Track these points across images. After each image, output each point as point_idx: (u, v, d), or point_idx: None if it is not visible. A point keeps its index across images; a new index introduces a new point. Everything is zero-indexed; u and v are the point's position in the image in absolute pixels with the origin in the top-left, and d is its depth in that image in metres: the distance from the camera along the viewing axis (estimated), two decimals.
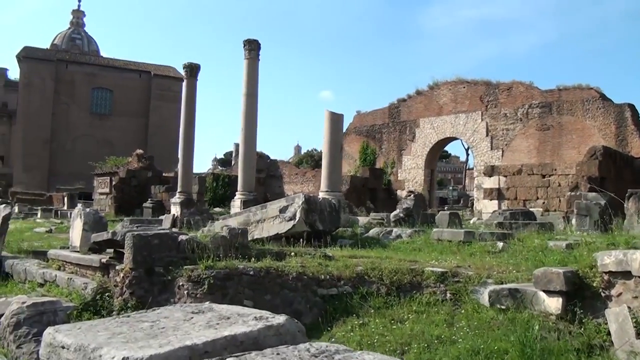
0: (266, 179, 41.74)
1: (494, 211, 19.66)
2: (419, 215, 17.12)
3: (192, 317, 4.11)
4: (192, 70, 22.29)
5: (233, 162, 51.80)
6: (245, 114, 19.61)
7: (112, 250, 9.99)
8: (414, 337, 6.85)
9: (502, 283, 7.98)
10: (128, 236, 7.81)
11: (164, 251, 7.98)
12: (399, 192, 35.15)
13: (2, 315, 7.01)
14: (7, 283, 12.02)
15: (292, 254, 9.15)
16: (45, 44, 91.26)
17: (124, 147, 60.09)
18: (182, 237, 8.29)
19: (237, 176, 38.58)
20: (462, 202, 59.03)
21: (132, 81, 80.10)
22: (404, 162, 35.57)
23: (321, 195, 16.32)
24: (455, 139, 35.22)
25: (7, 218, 13.08)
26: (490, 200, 30.29)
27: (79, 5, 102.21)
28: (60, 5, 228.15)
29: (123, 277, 7.92)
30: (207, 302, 4.44)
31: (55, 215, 32.36)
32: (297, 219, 12.98)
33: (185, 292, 7.44)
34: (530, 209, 21.38)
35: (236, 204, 19.65)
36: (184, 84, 22.36)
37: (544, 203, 28.65)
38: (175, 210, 21.94)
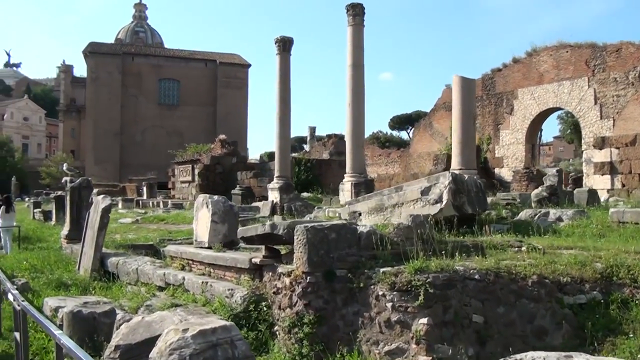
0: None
1: None
2: (566, 194, 14.70)
3: None
4: (285, 44, 20.26)
5: (309, 147, 49.83)
6: (351, 88, 17.42)
7: (250, 246, 8.05)
8: None
9: None
10: (299, 230, 5.78)
11: (344, 248, 5.92)
12: (496, 170, 32.47)
13: (143, 340, 5.09)
14: (111, 285, 10.27)
15: (519, 247, 6.94)
16: (110, 40, 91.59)
17: (193, 136, 59.19)
18: (362, 229, 6.20)
19: (317, 160, 36.83)
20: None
21: (198, 70, 79.24)
22: (502, 138, 32.76)
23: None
24: (559, 109, 32.13)
25: (107, 210, 11.34)
26: (602, 175, 27.29)
27: None
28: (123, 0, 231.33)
29: (291, 283, 5.90)
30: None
31: (137, 205, 31.21)
32: (444, 202, 10.86)
33: (389, 304, 5.35)
34: None
35: (346, 187, 17.56)
36: (277, 59, 20.32)
37: None
38: (273, 196, 20.05)
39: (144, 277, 9.07)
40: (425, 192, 11.42)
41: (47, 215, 26.79)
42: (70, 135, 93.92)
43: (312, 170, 34.55)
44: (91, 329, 5.69)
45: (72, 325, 5.72)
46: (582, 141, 30.23)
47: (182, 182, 33.62)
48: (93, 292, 9.71)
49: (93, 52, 75.05)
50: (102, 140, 71.75)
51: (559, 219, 12.25)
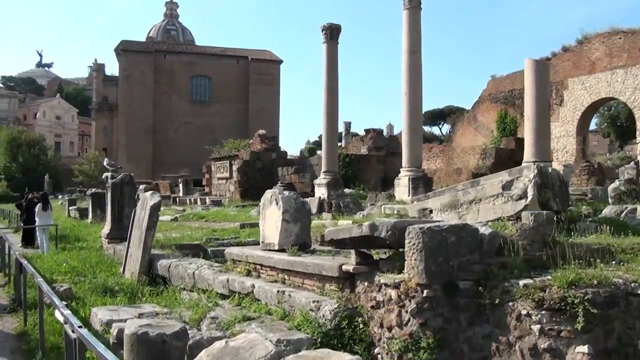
0: (387, 157, 38.36)
1: None
2: None
3: None
4: (333, 32, 19.13)
5: (344, 142, 48.66)
6: (408, 75, 16.21)
7: (326, 248, 7.00)
8: None
9: None
10: (412, 232, 4.68)
11: (464, 254, 4.82)
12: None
13: None
14: (162, 289, 9.27)
15: None
16: (141, 38, 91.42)
17: (225, 132, 58.52)
18: (483, 231, 5.09)
19: (356, 155, 35.68)
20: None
21: (230, 67, 78.61)
22: (552, 130, 31.20)
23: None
24: (612, 99, 30.56)
25: (156, 207, 10.36)
26: None
27: None
28: None
29: (400, 296, 4.82)
30: None
31: (174, 203, 30.45)
32: (529, 198, 9.59)
33: (536, 327, 4.22)
34: None
35: (402, 182, 16.40)
36: (324, 48, 19.22)
37: None
38: (321, 192, 18.98)
39: (203, 283, 8.06)
40: (507, 186, 10.21)
41: (83, 213, 26.16)
42: (103, 133, 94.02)
43: (350, 165, 33.51)
44: (159, 356, 4.63)
45: (136, 350, 4.67)
46: (637, 134, 28.69)
47: (219, 178, 32.77)
48: (143, 299, 8.74)
49: (125, 50, 74.91)
50: (135, 137, 71.55)
51: None
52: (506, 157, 28.66)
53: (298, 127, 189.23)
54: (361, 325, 5.33)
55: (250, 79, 77.52)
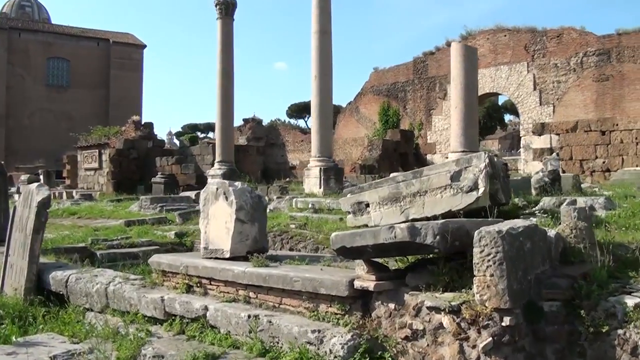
0: (266, 147, 37.11)
1: None
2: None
3: None
4: (228, 7, 17.47)
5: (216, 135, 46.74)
6: (318, 58, 14.93)
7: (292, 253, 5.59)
8: None
9: None
10: (488, 236, 3.41)
11: (538, 265, 3.63)
12: (428, 157, 31.20)
13: None
14: (58, 310, 7.28)
15: None
16: None
17: (84, 120, 54.95)
18: (549, 233, 3.94)
19: (235, 146, 34.01)
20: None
21: (90, 50, 73.44)
22: (434, 123, 31.47)
23: (453, 156, 12.15)
24: (495, 94, 31.30)
25: (45, 204, 8.34)
26: (541, 161, 26.65)
27: None
28: None
29: (461, 325, 3.52)
30: None
31: None
32: (480, 190, 8.66)
33: None
34: None
35: (312, 172, 15.13)
36: (218, 24, 17.48)
37: (604, 162, 25.67)
38: None
39: (121, 303, 6.25)
40: (455, 177, 9.20)
41: None
42: None
43: None
44: None
45: None
46: (520, 127, 29.60)
47: (87, 169, 29.82)
48: (40, 326, 6.72)
49: None
50: None
51: (592, 208, 10.56)
52: (392, 149, 28.60)
53: (161, 116, 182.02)
54: None
55: (111, 64, 72.97)
